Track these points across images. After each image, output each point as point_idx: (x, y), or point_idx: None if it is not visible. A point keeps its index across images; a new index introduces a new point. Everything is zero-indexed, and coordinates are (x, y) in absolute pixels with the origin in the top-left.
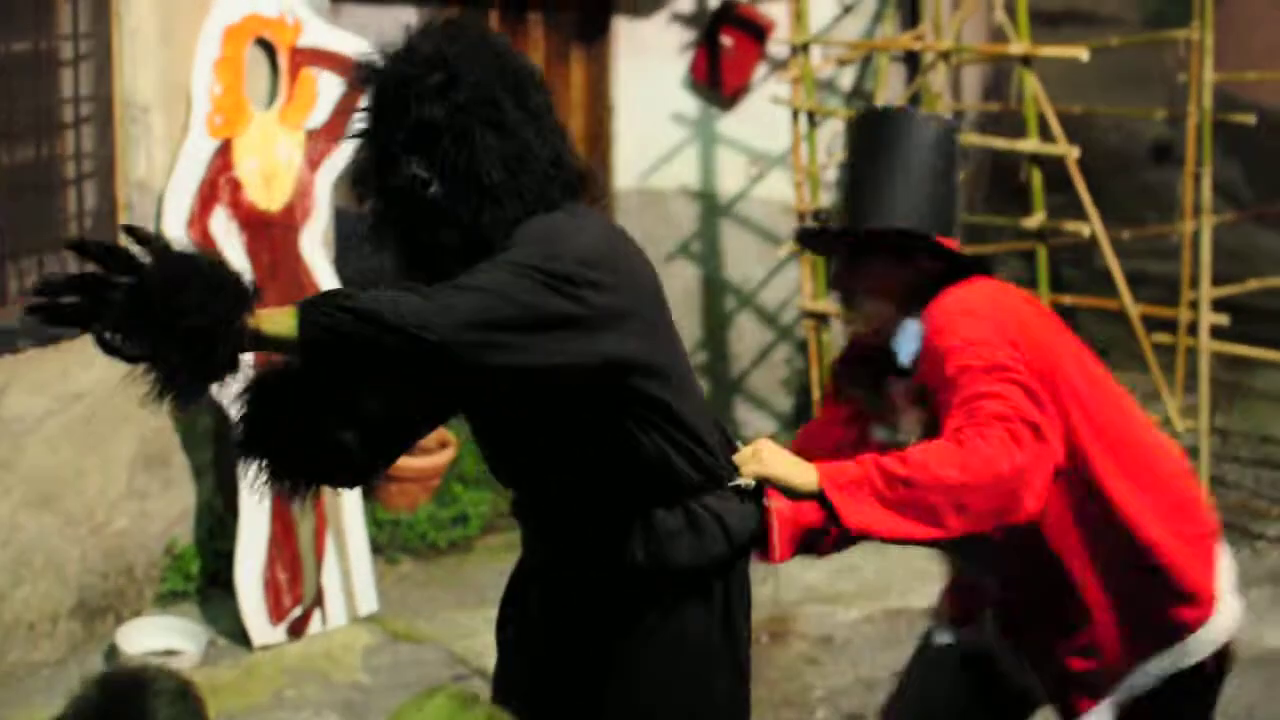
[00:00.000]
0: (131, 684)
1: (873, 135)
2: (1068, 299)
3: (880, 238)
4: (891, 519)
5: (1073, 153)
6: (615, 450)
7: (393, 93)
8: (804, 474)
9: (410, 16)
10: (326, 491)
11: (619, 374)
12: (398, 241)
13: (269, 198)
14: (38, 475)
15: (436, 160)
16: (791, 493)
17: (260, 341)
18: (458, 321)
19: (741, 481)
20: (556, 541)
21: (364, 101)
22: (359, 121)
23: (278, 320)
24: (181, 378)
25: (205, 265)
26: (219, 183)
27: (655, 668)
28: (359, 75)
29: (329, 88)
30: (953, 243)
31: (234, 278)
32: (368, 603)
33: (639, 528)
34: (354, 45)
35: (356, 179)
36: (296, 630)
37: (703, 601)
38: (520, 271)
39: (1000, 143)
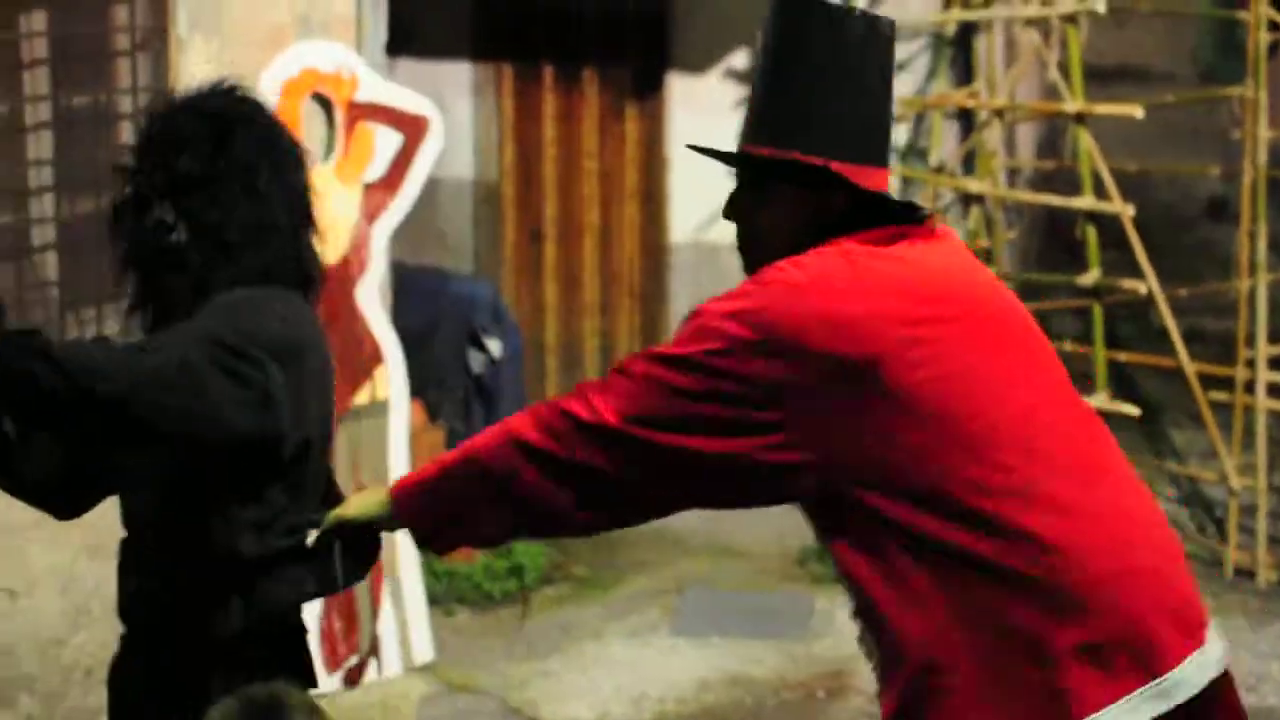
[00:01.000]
0: (271, 703)
1: (783, 34)
2: (1124, 356)
3: (772, 164)
4: (448, 521)
5: (1128, 210)
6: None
7: (165, 140)
8: (377, 496)
9: (464, 72)
10: (384, 541)
11: (259, 445)
12: (134, 276)
13: (324, 251)
14: (96, 524)
15: (185, 211)
16: (377, 523)
17: None
18: (133, 380)
19: (292, 541)
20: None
21: (136, 141)
22: (129, 158)
23: None
24: None
25: None
26: None
27: None
28: (145, 117)
29: (385, 142)
30: (875, 176)
31: None
32: (423, 652)
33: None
34: (410, 100)
35: (113, 211)
36: (352, 679)
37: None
38: (201, 342)
39: (1055, 200)
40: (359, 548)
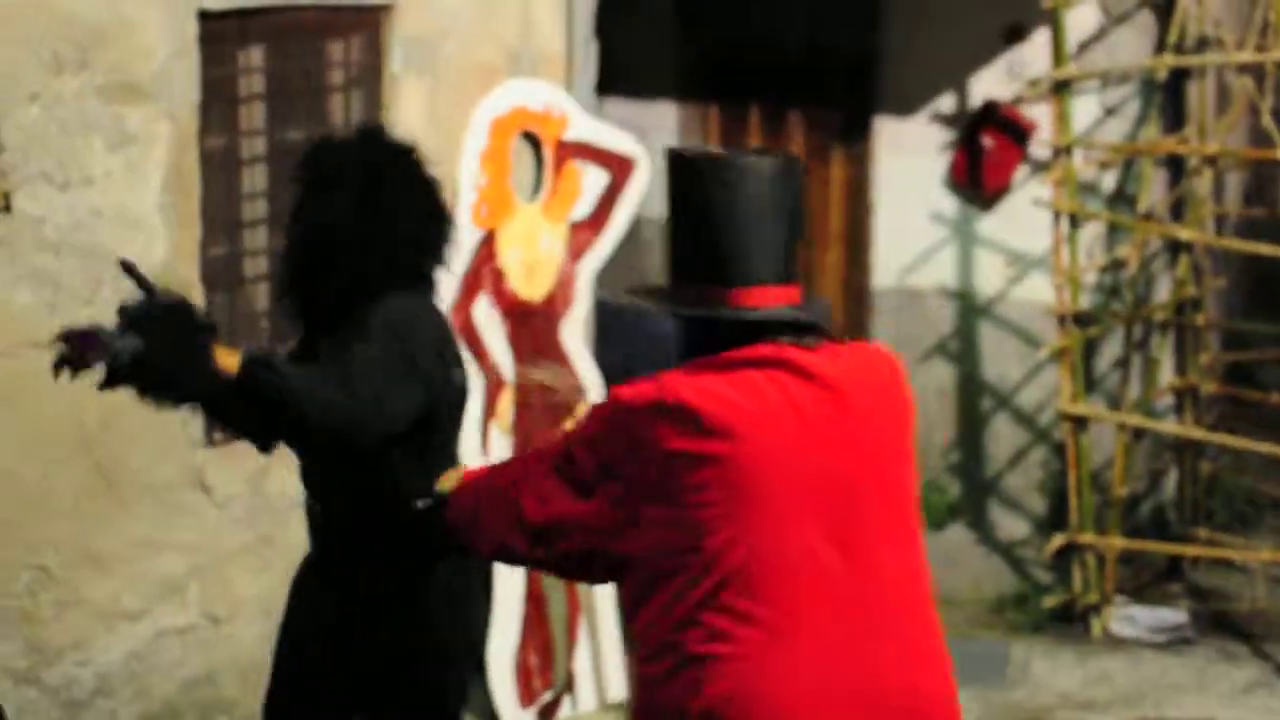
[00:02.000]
0: None
1: (676, 184)
2: None
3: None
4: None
5: None
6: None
7: (323, 169)
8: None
9: (670, 112)
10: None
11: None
12: (297, 278)
13: (531, 288)
14: (298, 551)
15: (341, 219)
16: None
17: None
18: (343, 404)
19: (419, 501)
20: (327, 535)
21: (301, 172)
22: (296, 185)
23: (229, 362)
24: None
25: (186, 319)
26: (482, 272)
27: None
28: (305, 157)
29: (592, 180)
30: (752, 295)
31: (204, 327)
32: (618, 689)
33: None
34: (618, 140)
35: (289, 231)
36: (546, 715)
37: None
38: (383, 350)
39: (1265, 249)
40: None
